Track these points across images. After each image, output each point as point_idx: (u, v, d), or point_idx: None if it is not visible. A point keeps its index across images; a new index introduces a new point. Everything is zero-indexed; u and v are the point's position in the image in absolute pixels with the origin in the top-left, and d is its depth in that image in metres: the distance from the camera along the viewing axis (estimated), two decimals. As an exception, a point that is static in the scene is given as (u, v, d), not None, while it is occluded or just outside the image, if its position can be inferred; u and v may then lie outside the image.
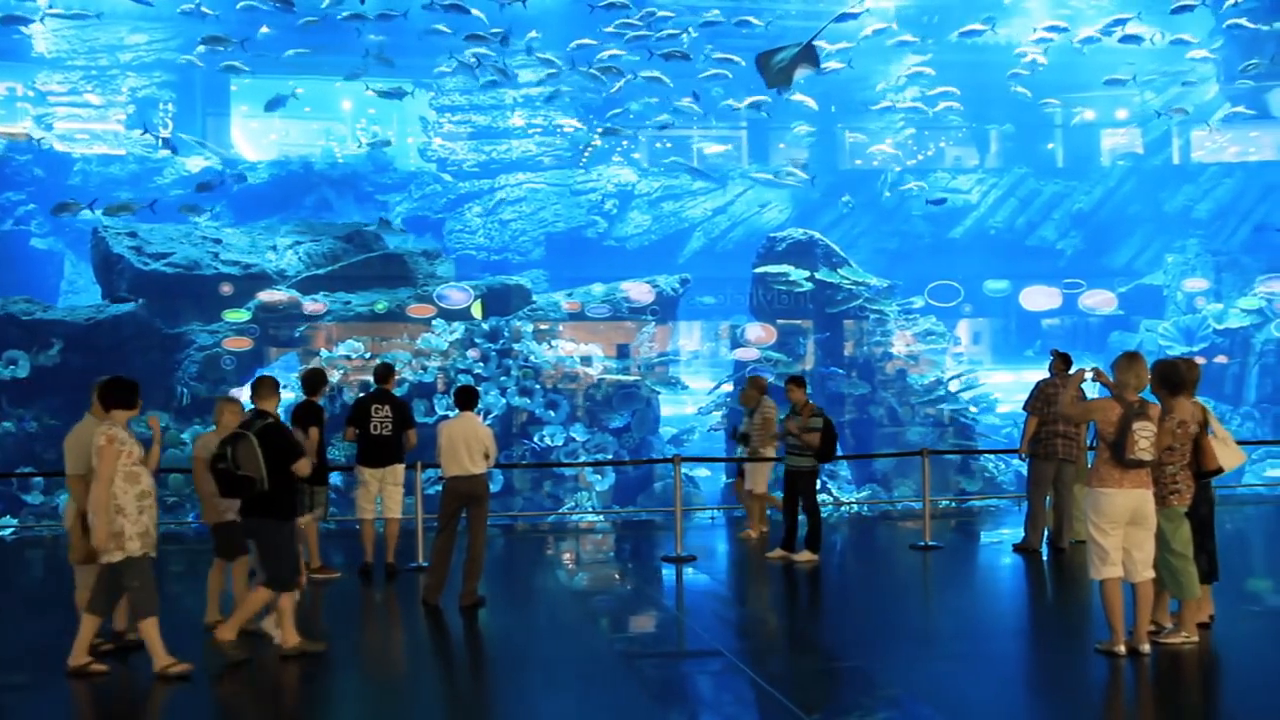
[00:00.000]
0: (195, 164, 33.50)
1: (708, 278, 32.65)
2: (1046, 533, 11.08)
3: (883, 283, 27.53)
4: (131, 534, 7.04)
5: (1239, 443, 8.14)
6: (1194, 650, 7.41)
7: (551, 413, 23.50)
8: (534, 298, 26.30)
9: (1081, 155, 39.00)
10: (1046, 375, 10.99)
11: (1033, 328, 35.15)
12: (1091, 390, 8.63)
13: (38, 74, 34.23)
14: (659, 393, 24.81)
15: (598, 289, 26.67)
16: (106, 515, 6.97)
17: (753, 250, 28.49)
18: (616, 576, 11.21)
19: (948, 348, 27.94)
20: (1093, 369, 8.05)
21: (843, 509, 18.40)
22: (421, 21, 28.94)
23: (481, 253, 34.69)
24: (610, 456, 23.09)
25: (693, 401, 26.44)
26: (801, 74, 17.95)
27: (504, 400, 23.25)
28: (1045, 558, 10.87)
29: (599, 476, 22.96)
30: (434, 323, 24.26)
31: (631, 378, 24.59)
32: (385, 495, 10.42)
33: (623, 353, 25.39)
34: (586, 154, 34.62)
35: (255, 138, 36.90)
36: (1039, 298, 32.82)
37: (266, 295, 24.20)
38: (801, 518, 10.91)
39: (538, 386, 23.69)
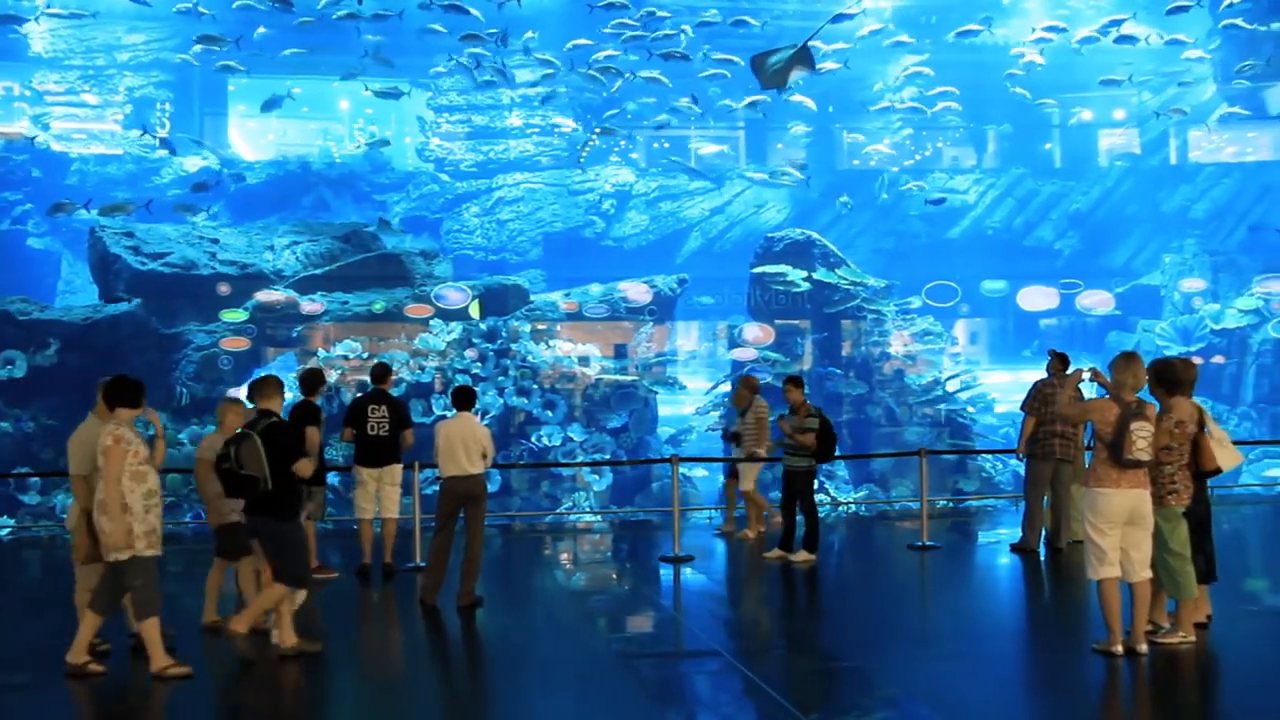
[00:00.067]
0: (193, 164, 33.48)
1: (705, 278, 32.65)
2: (1044, 533, 11.08)
3: (880, 283, 27.54)
4: (138, 533, 7.04)
5: (1235, 443, 8.15)
6: (1191, 650, 7.41)
7: (549, 413, 23.50)
8: (531, 298, 26.30)
9: (1079, 155, 39.03)
10: (1044, 375, 10.99)
11: (1030, 328, 35.16)
12: (1089, 390, 8.64)
13: (35, 73, 34.18)
14: (656, 393, 24.81)
15: (595, 289, 26.67)
16: (120, 514, 6.97)
17: (750, 250, 28.50)
18: (614, 576, 11.21)
19: (945, 348, 27.97)
20: (1090, 369, 8.06)
21: (840, 509, 18.40)
22: (418, 21, 28.90)
23: (479, 253, 34.69)
24: (608, 456, 23.07)
25: (690, 402, 26.43)
26: (796, 75, 17.98)
27: (501, 400, 23.25)
28: (1043, 558, 10.88)
29: (597, 476, 22.96)
30: (431, 323, 24.24)
31: (629, 378, 24.59)
32: (382, 495, 10.41)
33: (620, 353, 25.39)
34: (584, 154, 34.63)
35: (253, 138, 36.88)
36: (1036, 298, 32.83)
37: (264, 295, 24.19)
38: (799, 518, 10.91)
39: (535, 386, 23.68)
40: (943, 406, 25.68)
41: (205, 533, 9.18)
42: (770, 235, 28.36)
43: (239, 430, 7.54)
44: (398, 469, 10.47)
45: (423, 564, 10.23)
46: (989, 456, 24.25)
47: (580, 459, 22.53)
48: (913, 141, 38.38)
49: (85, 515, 7.28)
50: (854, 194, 35.39)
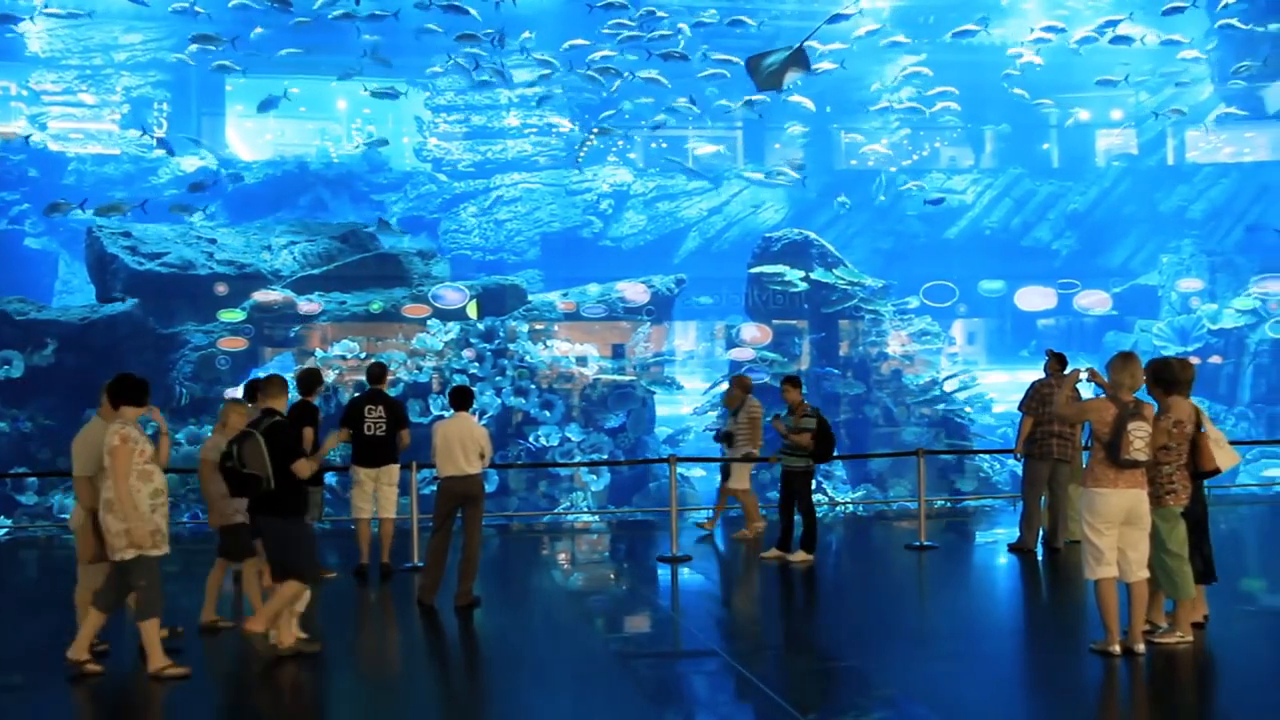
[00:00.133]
0: (190, 164, 33.45)
1: (703, 278, 32.67)
2: (1041, 533, 11.08)
3: (878, 283, 27.57)
4: (145, 532, 7.05)
5: (1233, 443, 8.16)
6: (1189, 650, 7.41)
7: (547, 413, 23.49)
8: (529, 298, 26.29)
9: (1076, 156, 39.08)
10: (1041, 375, 11.00)
11: (1028, 328, 35.19)
12: (1086, 390, 8.64)
13: (32, 73, 34.15)
14: (654, 393, 24.81)
15: (593, 289, 26.68)
16: (134, 511, 6.98)
17: (748, 250, 28.53)
18: (612, 576, 11.21)
19: (943, 348, 28.00)
20: (1087, 369, 8.06)
21: (838, 509, 18.40)
22: (416, 20, 28.89)
23: (477, 253, 34.69)
24: (605, 456, 23.07)
25: (688, 402, 26.44)
26: (792, 77, 17.97)
27: (499, 400, 23.24)
28: (1040, 558, 10.88)
29: (594, 476, 22.96)
30: (429, 323, 24.23)
31: (627, 378, 24.59)
32: (380, 495, 10.39)
33: (618, 353, 25.39)
34: (582, 153, 34.63)
35: (250, 137, 36.87)
36: (1034, 298, 32.85)
37: (261, 295, 24.17)
38: (797, 518, 10.91)
39: (533, 386, 23.68)
40: (940, 406, 25.69)
41: (203, 532, 9.19)
42: (768, 235, 28.39)
43: (242, 430, 7.55)
44: (395, 469, 10.46)
45: (420, 564, 10.23)
46: (986, 456, 24.27)
47: (578, 459, 22.53)
48: (910, 141, 38.42)
49: (91, 515, 7.27)
50: (852, 194, 35.41)
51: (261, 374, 18.29)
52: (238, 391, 14.67)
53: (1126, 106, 37.96)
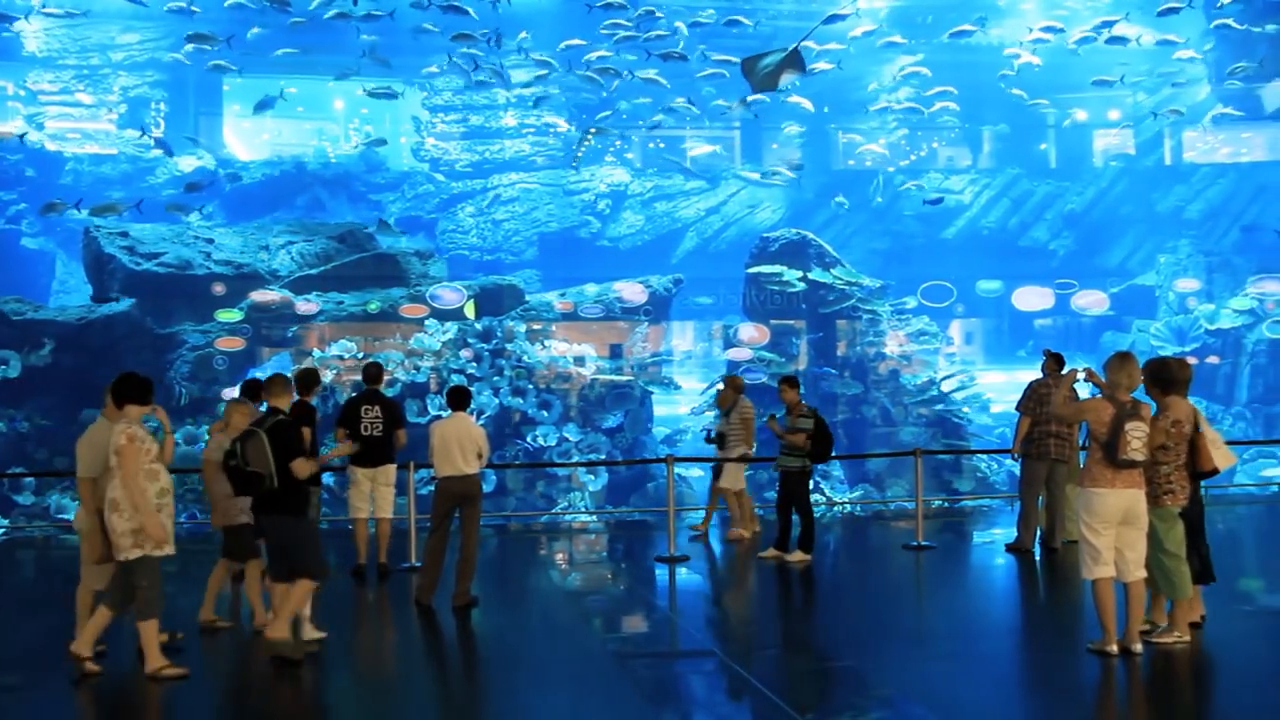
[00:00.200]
0: (187, 164, 33.41)
1: (701, 278, 32.67)
2: (1039, 533, 11.09)
3: (875, 283, 27.59)
4: (161, 531, 7.05)
5: (1229, 443, 8.17)
6: (1186, 650, 7.42)
7: (545, 413, 23.48)
8: (527, 298, 26.28)
9: (1074, 156, 39.09)
10: (1039, 375, 11.00)
11: (1025, 328, 35.22)
12: (1084, 390, 8.65)
13: (29, 73, 34.12)
14: (652, 393, 24.81)
15: (591, 289, 26.68)
16: (150, 511, 7.00)
17: (746, 250, 28.54)
18: (609, 577, 11.21)
19: (940, 348, 28.00)
20: (1085, 369, 8.06)
21: (836, 509, 18.41)
22: (411, 20, 28.87)
23: (474, 253, 34.67)
24: (603, 457, 23.08)
25: (686, 402, 26.44)
26: (788, 79, 17.95)
27: (497, 400, 23.24)
28: (1038, 557, 10.89)
29: (592, 477, 22.96)
30: (427, 323, 24.23)
31: (624, 378, 24.59)
32: (377, 495, 10.39)
33: (616, 353, 25.39)
34: (580, 153, 34.63)
35: (248, 137, 36.85)
36: (1031, 298, 32.88)
37: (259, 295, 24.15)
38: (795, 518, 10.92)
39: (531, 386, 23.67)
40: (938, 406, 25.71)
41: (200, 532, 9.19)
42: (765, 235, 28.39)
43: (246, 428, 7.56)
44: (392, 469, 10.46)
45: (418, 564, 10.22)
46: (984, 456, 24.28)
47: (576, 459, 22.53)
48: (908, 142, 38.42)
49: (98, 516, 7.27)
50: (849, 194, 35.44)
51: (259, 374, 18.35)
52: (235, 392, 14.65)
53: (1124, 107, 37.99)
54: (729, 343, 26.72)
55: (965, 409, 26.07)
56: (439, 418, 12.67)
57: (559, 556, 12.22)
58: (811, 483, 11.38)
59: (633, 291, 26.23)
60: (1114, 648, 7.21)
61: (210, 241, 25.41)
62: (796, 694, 6.91)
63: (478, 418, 21.62)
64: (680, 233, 36.37)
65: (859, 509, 19.02)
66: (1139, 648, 7.23)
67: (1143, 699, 6.95)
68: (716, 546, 12.00)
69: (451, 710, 7.13)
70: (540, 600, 9.93)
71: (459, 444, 8.96)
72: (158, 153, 32.39)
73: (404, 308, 24.57)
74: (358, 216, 31.58)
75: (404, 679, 7.57)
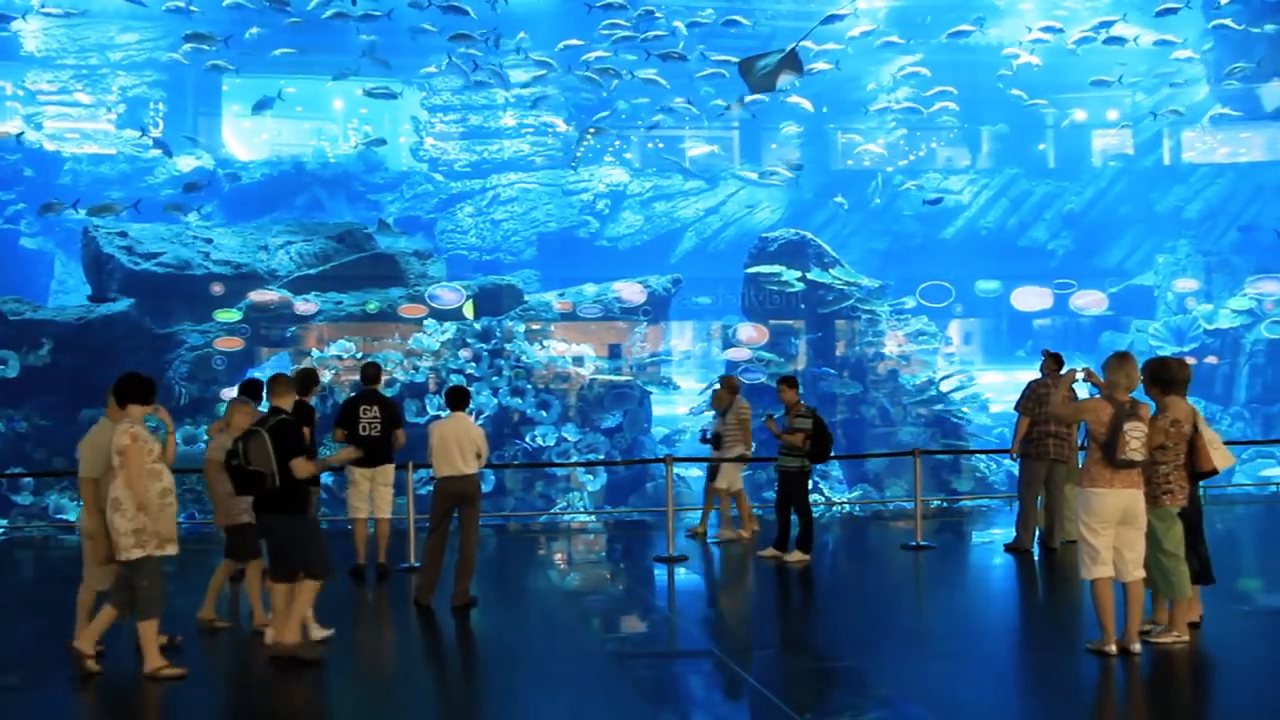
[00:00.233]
0: (186, 164, 33.39)
1: (700, 278, 32.67)
2: (1038, 533, 11.10)
3: (874, 283, 27.60)
4: (152, 531, 7.06)
5: (1228, 443, 8.17)
6: (1185, 649, 7.42)
7: (543, 413, 23.48)
8: (526, 298, 26.28)
9: (1073, 156, 39.08)
10: (1038, 375, 11.00)
11: (1024, 328, 35.23)
12: (1082, 390, 8.65)
13: (27, 73, 34.10)
14: (651, 393, 24.80)
15: (590, 289, 26.67)
16: (158, 511, 7.03)
17: (745, 250, 28.53)
18: (608, 577, 11.20)
19: (939, 348, 28.00)
20: (1084, 369, 8.07)
21: (835, 509, 18.41)
22: (409, 20, 28.86)
23: (473, 253, 34.66)
24: (602, 457, 23.08)
25: (684, 402, 26.44)
26: (785, 80, 17.95)
27: (496, 400, 23.23)
28: (1037, 557, 10.89)
29: (591, 477, 22.96)
30: (426, 323, 24.23)
31: (623, 378, 24.59)
32: (375, 495, 10.40)
33: (614, 353, 25.39)
34: (579, 153, 34.62)
35: (247, 137, 36.82)
36: (1030, 298, 32.88)
37: (258, 295, 24.15)
38: (794, 517, 10.92)
39: (529, 386, 23.67)
40: (937, 406, 25.71)
41: (198, 533, 9.20)
42: (764, 235, 28.39)
43: (248, 428, 7.56)
44: (390, 469, 10.46)
45: (417, 564, 10.22)
46: (983, 456, 24.28)
47: (574, 459, 22.53)
48: (907, 142, 38.42)
49: (102, 515, 7.28)
50: (848, 194, 35.44)
51: (258, 374, 18.36)
52: (234, 392, 14.66)
53: (1123, 107, 38.00)
54: (728, 343, 26.72)
55: (964, 409, 26.07)
56: (438, 418, 12.66)
57: (558, 556, 12.21)
58: (810, 483, 11.37)
59: (631, 291, 26.24)
60: (1113, 648, 7.21)
61: (209, 241, 25.41)
62: (795, 694, 6.91)
63: (476, 418, 21.62)
64: (679, 233, 36.37)
65: (858, 509, 19.02)
66: (1138, 648, 7.24)
67: (1141, 699, 6.95)
68: (714, 547, 12.00)
69: (450, 710, 7.13)
70: (539, 600, 9.93)
71: (458, 444, 8.96)
72: (156, 153, 32.38)
73: (403, 308, 24.57)
74: (356, 216, 31.58)
75: (403, 679, 7.57)
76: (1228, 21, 31.35)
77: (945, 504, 18.59)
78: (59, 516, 20.12)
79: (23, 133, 31.52)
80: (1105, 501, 7.17)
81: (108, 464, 7.15)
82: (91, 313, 23.32)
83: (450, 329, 24.11)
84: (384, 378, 10.95)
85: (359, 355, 22.95)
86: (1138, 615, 7.32)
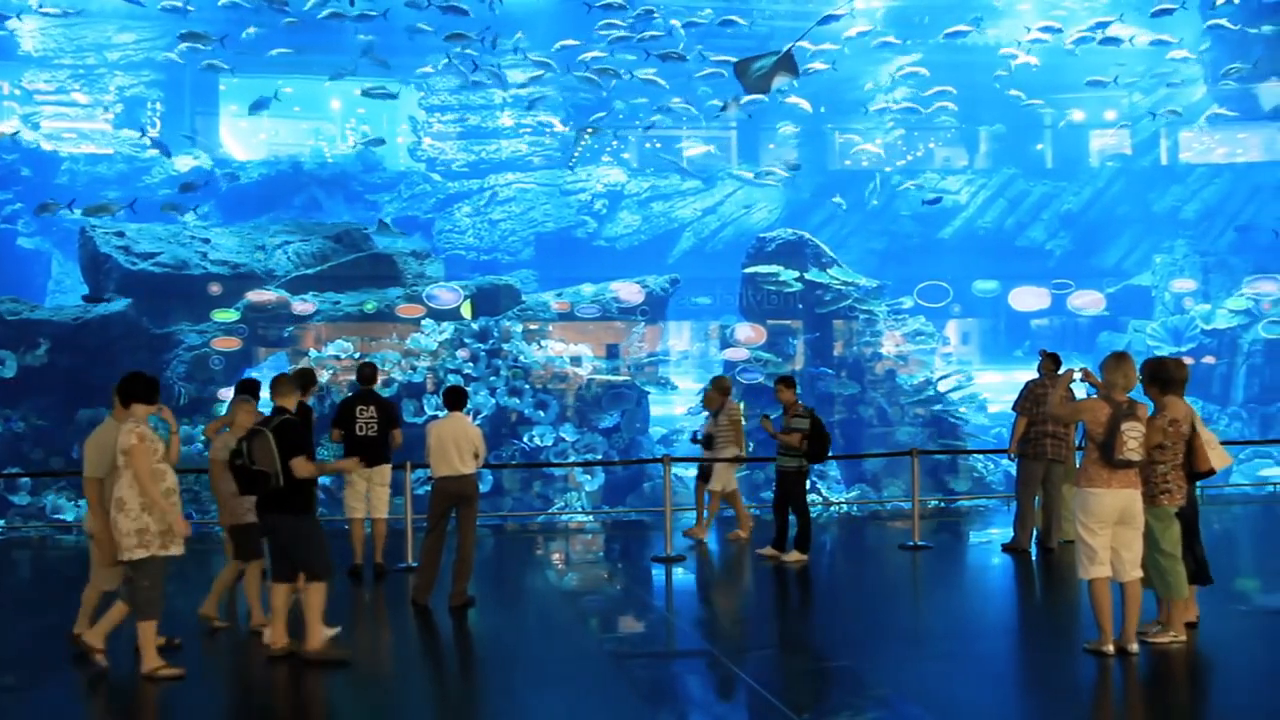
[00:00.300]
0: (184, 163, 33.37)
1: (697, 278, 32.67)
2: (1035, 533, 11.10)
3: (872, 283, 27.61)
4: (154, 532, 7.06)
5: (1225, 443, 8.18)
6: (1182, 650, 7.43)
7: (541, 413, 23.48)
8: (523, 298, 26.28)
9: (1070, 156, 39.12)
10: (1035, 375, 11.01)
11: (1021, 328, 35.25)
12: (1080, 390, 8.66)
13: (24, 72, 34.08)
14: (649, 393, 24.80)
15: (587, 289, 26.68)
16: (170, 510, 7.06)
17: (742, 250, 28.54)
18: (606, 577, 11.20)
19: (937, 348, 28.01)
20: (1081, 369, 8.07)
21: (832, 509, 18.42)
22: (408, 19, 28.84)
23: (471, 253, 34.66)
24: (600, 457, 23.08)
25: (682, 402, 26.45)
26: (780, 81, 17.97)
27: (493, 400, 23.23)
28: (1034, 558, 10.89)
29: (588, 477, 22.96)
30: (423, 323, 24.22)
31: (621, 378, 24.58)
32: (372, 495, 10.39)
33: (612, 353, 25.40)
34: (577, 153, 34.61)
35: (244, 137, 36.81)
36: (1028, 298, 32.91)
37: (255, 295, 24.14)
38: (792, 518, 10.92)
39: (527, 387, 23.67)
40: (935, 406, 25.72)
41: (197, 532, 9.18)
42: (762, 235, 28.40)
43: (252, 427, 7.56)
44: (387, 469, 10.46)
45: (414, 564, 10.22)
46: (981, 456, 24.30)
47: (572, 459, 22.53)
48: (905, 142, 38.43)
49: (107, 515, 7.28)
50: (846, 194, 35.45)
51: (255, 374, 18.33)
52: (231, 392, 14.68)
53: (1120, 107, 38.03)
54: (725, 343, 26.72)
55: (962, 409, 26.10)
56: (435, 418, 12.66)
57: (555, 556, 12.21)
58: (808, 483, 11.36)
59: (629, 291, 26.24)
60: (1110, 648, 7.21)
61: (206, 241, 25.40)
62: (793, 694, 6.91)
63: (474, 418, 21.61)
64: (677, 233, 36.37)
65: (855, 509, 19.03)
66: (1135, 648, 7.24)
67: (1139, 699, 6.95)
68: (713, 547, 12.00)
69: (448, 710, 7.12)
70: (537, 600, 9.93)
71: (455, 444, 8.95)
72: (154, 152, 32.36)
73: (400, 308, 24.57)
74: (354, 216, 31.58)
75: (400, 679, 7.56)
76: (1224, 22, 31.40)
77: (943, 504, 18.60)
78: (56, 517, 20.11)
79: (18, 132, 31.47)
80: (1103, 501, 7.17)
81: (112, 463, 7.15)
82: (89, 313, 23.31)
83: (448, 329, 24.11)
84: (381, 378, 10.93)
85: (357, 355, 22.93)
86: (1135, 615, 7.32)
